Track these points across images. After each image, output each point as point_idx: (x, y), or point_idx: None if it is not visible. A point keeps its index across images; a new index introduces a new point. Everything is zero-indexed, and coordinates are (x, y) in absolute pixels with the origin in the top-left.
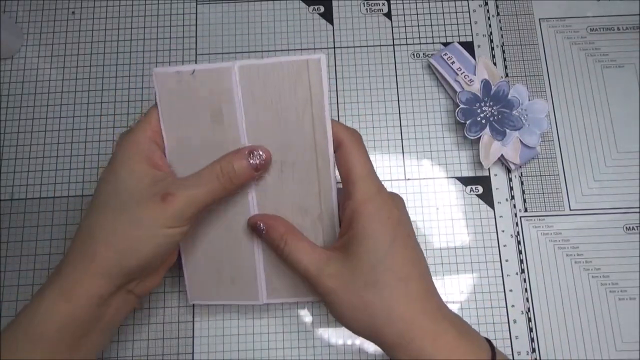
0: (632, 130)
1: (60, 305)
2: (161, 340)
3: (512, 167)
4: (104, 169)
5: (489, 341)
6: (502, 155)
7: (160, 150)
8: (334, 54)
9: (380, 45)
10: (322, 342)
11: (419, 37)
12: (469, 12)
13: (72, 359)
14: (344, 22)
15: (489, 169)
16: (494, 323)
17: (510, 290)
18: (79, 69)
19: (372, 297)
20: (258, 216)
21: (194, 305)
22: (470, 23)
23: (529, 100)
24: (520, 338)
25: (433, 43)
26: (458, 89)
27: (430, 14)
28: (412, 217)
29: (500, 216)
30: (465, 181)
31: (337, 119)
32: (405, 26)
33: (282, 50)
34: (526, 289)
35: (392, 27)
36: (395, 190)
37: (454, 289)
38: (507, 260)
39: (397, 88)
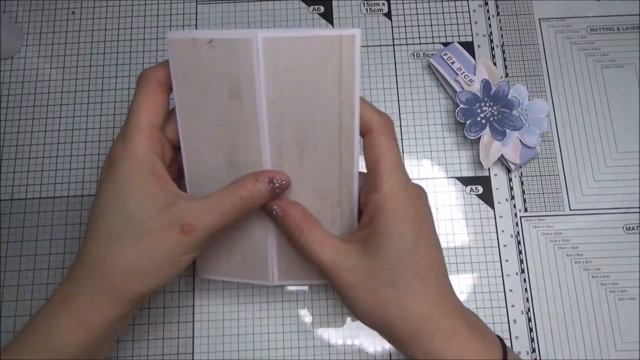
0: (632, 130)
1: (78, 333)
2: (161, 340)
3: (512, 167)
4: (100, 187)
5: (501, 340)
6: (502, 155)
7: (160, 160)
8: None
9: (380, 45)
10: (322, 342)
11: (419, 37)
12: (469, 12)
13: None
14: (344, 22)
15: (489, 169)
16: (494, 323)
17: (510, 290)
18: (79, 69)
19: (389, 295)
20: (273, 201)
21: (194, 305)
22: (470, 23)
23: (529, 100)
24: (520, 338)
25: (433, 43)
26: (458, 89)
27: (430, 14)
28: None
29: (500, 216)
30: (465, 181)
31: None
32: (405, 26)
33: None
34: (526, 289)
35: (392, 27)
36: None
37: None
38: (507, 260)
39: (397, 88)
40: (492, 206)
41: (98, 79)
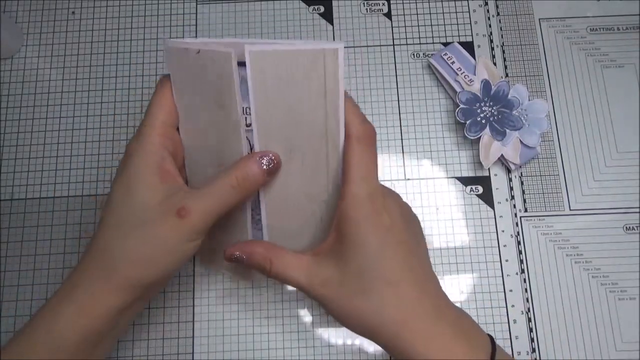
0: (632, 130)
1: (80, 320)
2: (161, 340)
3: (512, 167)
4: (114, 181)
5: (492, 341)
6: (502, 155)
7: (170, 156)
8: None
9: (380, 45)
10: (322, 342)
11: (419, 37)
12: (469, 12)
13: None
14: (344, 22)
15: (489, 169)
16: (494, 323)
17: (510, 290)
18: (79, 69)
19: (362, 303)
20: (232, 248)
21: (194, 305)
22: (470, 23)
23: (529, 100)
24: (520, 338)
25: (433, 43)
26: (458, 89)
27: (430, 14)
28: None
29: (500, 216)
30: (465, 181)
31: None
32: (405, 26)
33: None
34: (526, 289)
35: (392, 27)
36: (395, 190)
37: (454, 289)
38: (507, 260)
39: (397, 88)
40: (492, 206)
41: (98, 79)
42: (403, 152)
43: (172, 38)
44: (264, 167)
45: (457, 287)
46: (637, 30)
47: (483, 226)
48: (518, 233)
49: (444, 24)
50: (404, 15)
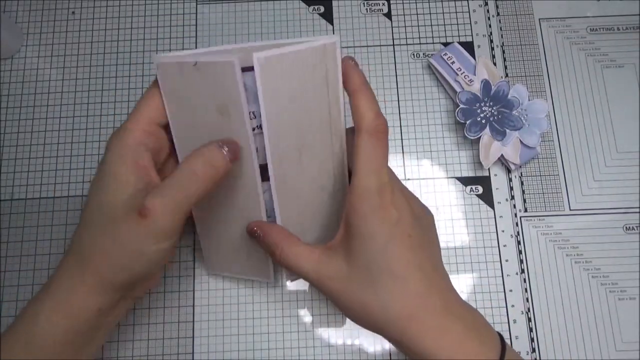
0: (632, 130)
1: (59, 321)
2: (161, 340)
3: (512, 167)
4: (93, 177)
5: (502, 339)
6: (502, 155)
7: (148, 153)
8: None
9: (380, 45)
10: (322, 342)
11: (419, 37)
12: (469, 12)
13: None
14: (344, 22)
15: (489, 169)
16: (494, 323)
17: (510, 290)
18: (79, 69)
19: (370, 297)
20: (254, 223)
21: (194, 305)
22: (470, 23)
23: (529, 100)
24: (520, 338)
25: (433, 43)
26: (458, 89)
27: (430, 14)
28: None
29: (500, 216)
30: (465, 181)
31: None
32: (405, 26)
33: None
34: (526, 289)
35: (392, 27)
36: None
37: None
38: (507, 260)
39: (397, 88)
40: (492, 206)
41: (98, 79)
42: (403, 152)
43: (160, 53)
44: (225, 152)
45: (457, 287)
46: (637, 30)
47: (483, 226)
48: (518, 233)
49: (444, 24)
50: (404, 15)
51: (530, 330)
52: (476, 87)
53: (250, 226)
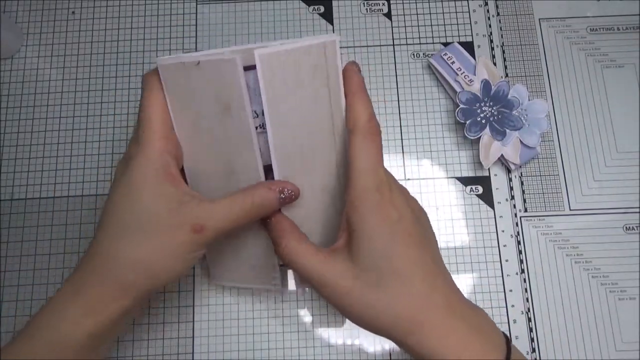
0: (632, 130)
1: (86, 322)
2: (161, 340)
3: (512, 167)
4: (115, 184)
5: (507, 340)
6: (502, 155)
7: (174, 160)
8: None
9: (380, 45)
10: (322, 342)
11: (419, 37)
12: (469, 12)
13: None
14: (344, 22)
15: (489, 169)
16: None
17: (510, 290)
18: (79, 69)
19: (376, 297)
20: (273, 213)
21: (194, 305)
22: (470, 23)
23: (529, 100)
24: (520, 338)
25: (433, 43)
26: (458, 89)
27: (430, 14)
28: None
29: (500, 216)
30: (465, 181)
31: None
32: (405, 26)
33: None
34: (526, 289)
35: (392, 27)
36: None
37: (454, 287)
38: (507, 260)
39: (397, 88)
40: (492, 206)
41: (98, 79)
42: (403, 152)
43: (160, 55)
44: (280, 196)
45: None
46: (637, 30)
47: (483, 226)
48: (518, 233)
49: (444, 24)
50: (404, 15)
51: (530, 330)
52: (476, 87)
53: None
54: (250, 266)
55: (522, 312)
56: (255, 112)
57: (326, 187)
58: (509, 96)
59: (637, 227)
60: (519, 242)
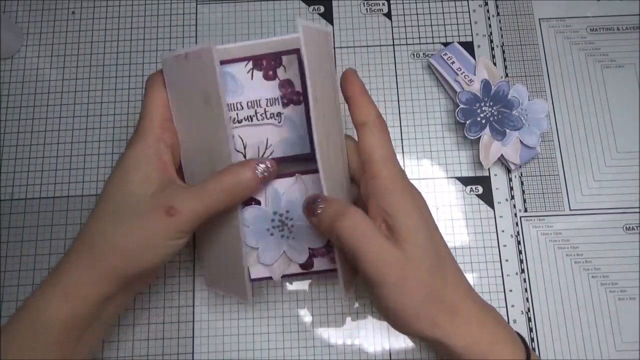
0: (632, 130)
1: (62, 306)
2: (161, 340)
3: (512, 167)
4: (112, 170)
5: (522, 339)
6: (502, 155)
7: (169, 149)
8: (334, 54)
9: (380, 45)
10: (322, 342)
11: (419, 37)
12: (469, 12)
13: (72, 359)
14: (344, 22)
15: (489, 169)
16: None
17: (510, 290)
18: (79, 69)
19: (432, 283)
20: (315, 195)
21: (194, 305)
22: (470, 23)
23: (529, 100)
24: None
25: (433, 43)
26: (458, 89)
27: (430, 14)
28: None
29: (500, 216)
30: (465, 181)
31: None
32: (405, 26)
33: None
34: (526, 289)
35: (392, 27)
36: None
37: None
38: (507, 260)
39: (397, 88)
40: (492, 206)
41: (98, 79)
42: (403, 152)
43: (165, 53)
44: (259, 175)
45: None
46: (637, 30)
47: (483, 226)
48: (518, 233)
49: (444, 24)
50: (404, 15)
51: (530, 330)
52: (476, 87)
53: (310, 197)
54: (230, 275)
55: (522, 312)
56: (239, 104)
57: (341, 185)
58: (509, 96)
59: (637, 227)
60: (519, 242)
